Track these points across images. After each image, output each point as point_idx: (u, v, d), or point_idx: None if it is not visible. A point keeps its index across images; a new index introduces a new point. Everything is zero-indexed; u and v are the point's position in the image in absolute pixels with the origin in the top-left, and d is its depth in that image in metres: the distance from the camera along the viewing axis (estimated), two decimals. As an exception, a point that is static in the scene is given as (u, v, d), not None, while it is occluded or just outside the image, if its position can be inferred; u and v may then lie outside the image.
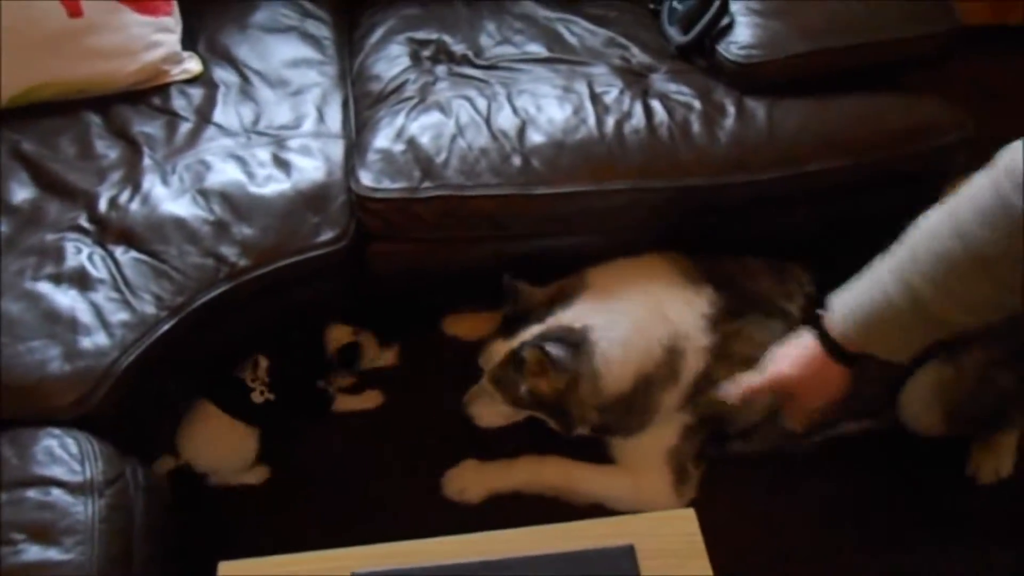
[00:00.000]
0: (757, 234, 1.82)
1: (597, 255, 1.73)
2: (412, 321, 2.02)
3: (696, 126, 1.71)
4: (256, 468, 1.81)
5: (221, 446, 1.78)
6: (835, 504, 1.80)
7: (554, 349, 1.55)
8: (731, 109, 1.73)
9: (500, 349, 1.65)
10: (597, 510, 1.70)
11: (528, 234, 1.76)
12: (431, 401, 1.92)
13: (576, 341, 1.58)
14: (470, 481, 1.78)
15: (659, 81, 1.81)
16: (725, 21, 1.77)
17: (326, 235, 1.67)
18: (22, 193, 1.69)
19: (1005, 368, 1.69)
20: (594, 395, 1.59)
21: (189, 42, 1.94)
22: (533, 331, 1.62)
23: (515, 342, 1.62)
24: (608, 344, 1.59)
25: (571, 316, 1.62)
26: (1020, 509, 1.79)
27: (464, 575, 1.21)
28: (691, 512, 1.28)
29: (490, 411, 1.73)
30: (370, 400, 1.94)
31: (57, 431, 1.41)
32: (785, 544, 1.74)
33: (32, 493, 1.33)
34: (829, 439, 1.81)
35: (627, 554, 1.22)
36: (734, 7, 1.77)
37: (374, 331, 1.93)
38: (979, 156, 1.81)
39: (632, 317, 1.62)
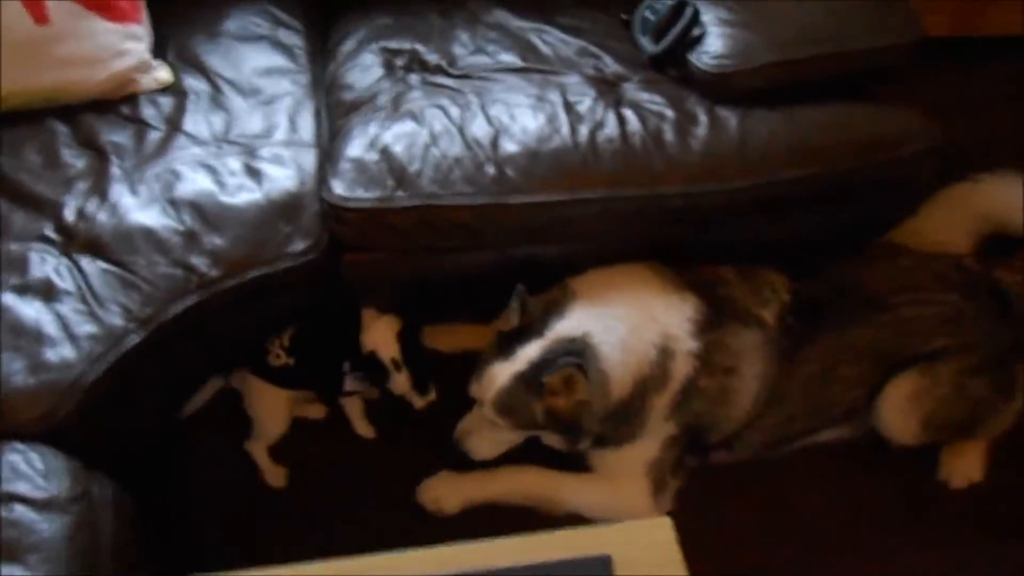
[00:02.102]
0: (730, 242, 1.83)
1: (573, 264, 1.73)
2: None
3: (669, 135, 1.72)
4: (277, 469, 1.82)
5: (253, 400, 1.81)
6: (814, 513, 1.80)
7: (581, 362, 1.52)
8: (703, 118, 1.74)
9: (501, 373, 1.59)
10: (573, 521, 1.69)
11: (503, 243, 1.75)
12: (408, 412, 1.91)
13: (579, 350, 1.57)
14: (446, 491, 1.76)
15: (632, 90, 1.81)
16: (697, 31, 1.78)
17: (298, 245, 1.66)
18: (-14, 203, 1.65)
19: (979, 376, 1.72)
20: (602, 402, 1.58)
21: (159, 50, 1.92)
22: (535, 348, 1.58)
23: (519, 364, 1.58)
24: (609, 348, 1.58)
25: (569, 326, 1.60)
26: (997, 510, 1.80)
27: (439, 587, 1.20)
28: (668, 521, 1.28)
29: (488, 442, 1.70)
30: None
31: (21, 446, 1.38)
32: (763, 553, 1.74)
33: (-5, 510, 1.29)
34: (807, 447, 1.82)
35: (603, 564, 1.21)
36: (705, 18, 1.78)
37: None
38: (947, 165, 1.87)
39: (625, 320, 1.62)
